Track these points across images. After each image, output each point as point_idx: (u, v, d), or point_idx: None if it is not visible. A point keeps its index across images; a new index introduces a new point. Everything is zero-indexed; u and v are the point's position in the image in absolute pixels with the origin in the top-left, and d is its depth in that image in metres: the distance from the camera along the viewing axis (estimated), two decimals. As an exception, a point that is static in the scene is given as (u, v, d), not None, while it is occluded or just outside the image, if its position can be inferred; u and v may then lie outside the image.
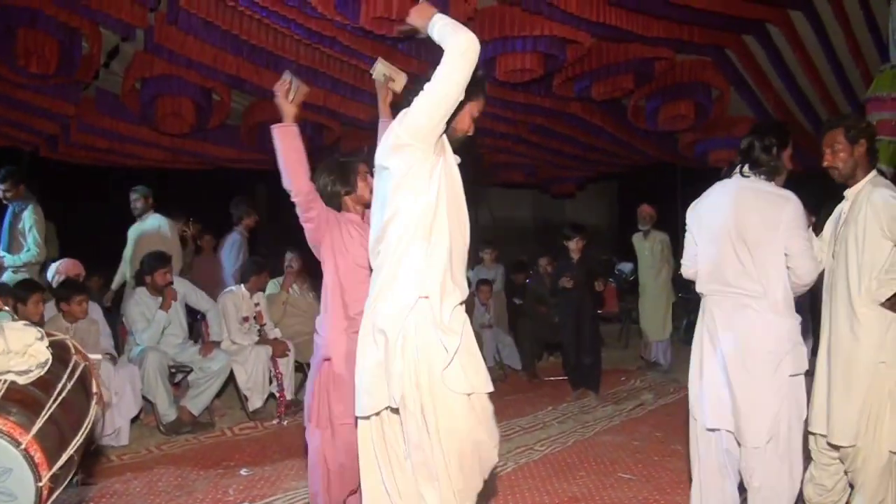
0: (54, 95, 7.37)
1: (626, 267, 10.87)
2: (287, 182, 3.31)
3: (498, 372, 8.04)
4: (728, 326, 3.25)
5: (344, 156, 3.71)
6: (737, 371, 3.19)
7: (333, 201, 3.51)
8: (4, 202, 6.47)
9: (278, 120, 3.37)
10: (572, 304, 7.03)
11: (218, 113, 7.72)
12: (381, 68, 3.36)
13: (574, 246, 7.06)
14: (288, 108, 3.35)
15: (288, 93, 3.36)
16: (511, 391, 7.36)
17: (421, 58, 6.61)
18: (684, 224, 3.85)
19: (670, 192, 12.16)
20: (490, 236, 10.82)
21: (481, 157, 10.28)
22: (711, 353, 3.32)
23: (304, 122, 7.95)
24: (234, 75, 6.88)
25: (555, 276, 7.43)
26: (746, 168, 3.35)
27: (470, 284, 8.08)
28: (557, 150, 10.43)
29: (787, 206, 3.19)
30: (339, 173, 3.54)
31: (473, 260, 9.46)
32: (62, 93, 7.36)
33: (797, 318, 3.24)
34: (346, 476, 3.36)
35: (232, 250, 7.64)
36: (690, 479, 3.94)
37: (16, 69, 6.32)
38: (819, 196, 4.41)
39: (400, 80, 3.34)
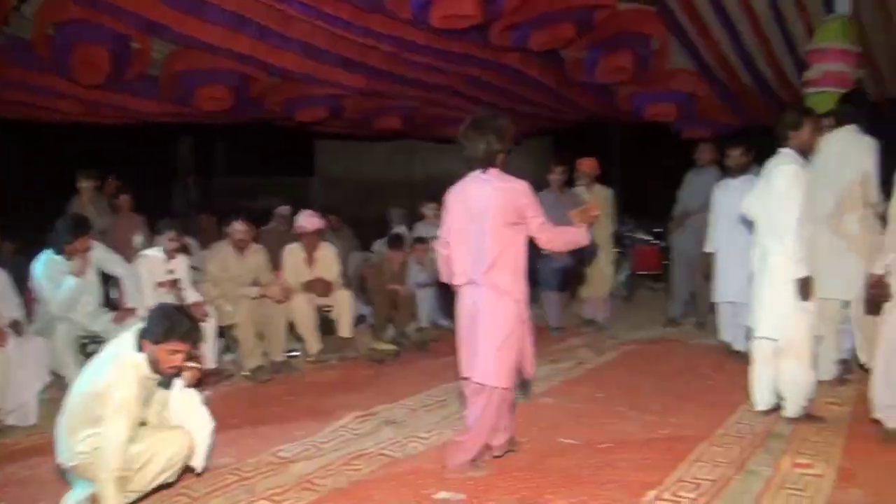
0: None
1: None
2: None
3: (433, 333, 7.84)
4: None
5: (486, 115, 3.70)
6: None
7: (488, 160, 3.55)
8: None
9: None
10: None
11: (137, 63, 7.23)
12: None
13: None
14: None
15: None
16: (450, 351, 7.15)
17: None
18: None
19: (607, 149, 12.07)
20: (425, 192, 10.51)
21: (414, 110, 10.00)
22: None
23: (229, 73, 7.52)
24: (155, 21, 6.43)
25: None
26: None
27: (406, 242, 7.81)
28: (492, 104, 10.13)
29: None
30: (497, 133, 3.56)
31: (414, 216, 9.25)
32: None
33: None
34: None
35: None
36: (637, 442, 4.30)
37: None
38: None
39: None
